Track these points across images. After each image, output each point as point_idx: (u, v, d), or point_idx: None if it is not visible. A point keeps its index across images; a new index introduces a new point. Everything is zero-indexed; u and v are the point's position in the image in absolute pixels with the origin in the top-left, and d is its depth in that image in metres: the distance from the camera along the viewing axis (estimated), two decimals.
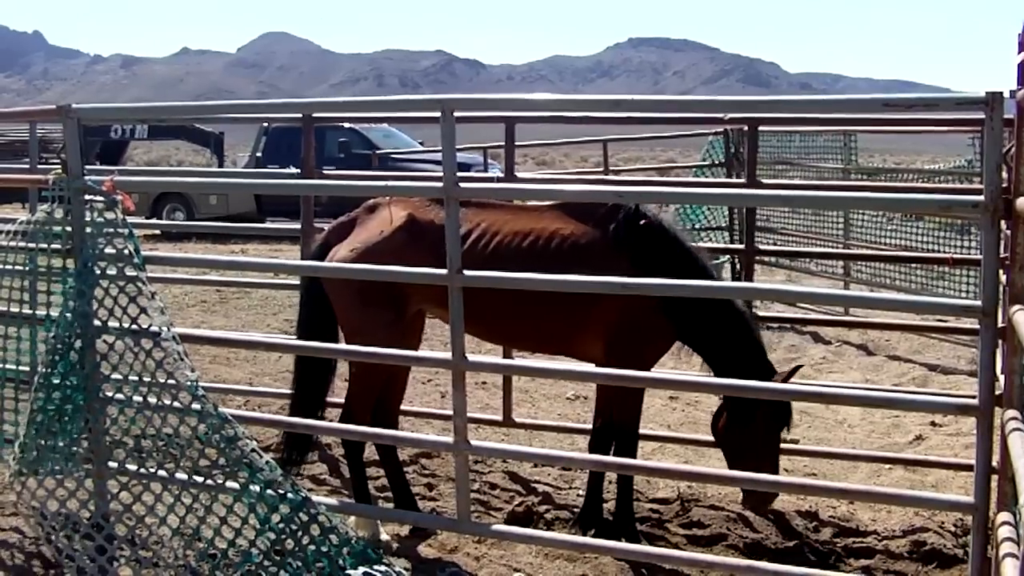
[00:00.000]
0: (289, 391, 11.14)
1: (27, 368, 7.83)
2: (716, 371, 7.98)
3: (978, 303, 5.58)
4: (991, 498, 5.71)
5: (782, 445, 9.35)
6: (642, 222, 7.87)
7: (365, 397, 8.47)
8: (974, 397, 5.77)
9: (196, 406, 6.79)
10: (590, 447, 8.59)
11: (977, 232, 15.93)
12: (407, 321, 8.30)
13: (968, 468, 7.12)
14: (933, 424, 11.76)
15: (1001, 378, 5.88)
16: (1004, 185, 5.58)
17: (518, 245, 7.91)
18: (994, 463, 5.82)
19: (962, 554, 7.97)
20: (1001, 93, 5.42)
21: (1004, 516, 5.39)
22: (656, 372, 8.88)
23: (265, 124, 31.52)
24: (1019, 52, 6.51)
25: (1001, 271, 5.98)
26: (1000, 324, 5.68)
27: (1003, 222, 5.79)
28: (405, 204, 8.29)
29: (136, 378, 7.05)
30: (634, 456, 8.24)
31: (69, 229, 7.33)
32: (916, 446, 11.16)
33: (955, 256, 13.60)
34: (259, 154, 33.44)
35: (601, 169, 21.42)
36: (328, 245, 8.44)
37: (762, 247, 14.26)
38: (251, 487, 6.70)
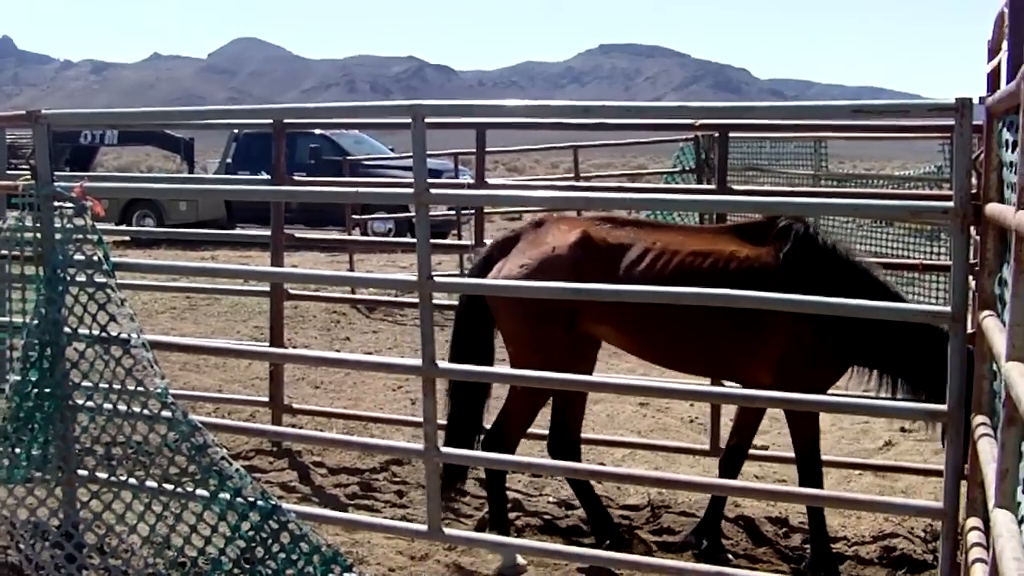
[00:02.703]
0: (260, 398, 11.15)
1: None
2: (914, 394, 7.68)
3: (947, 309, 5.60)
4: (960, 503, 5.73)
5: (753, 452, 9.35)
6: (806, 241, 7.65)
7: (522, 420, 8.31)
8: (943, 403, 5.79)
9: (166, 414, 6.77)
10: (721, 468, 8.49)
11: (947, 238, 15.99)
12: (579, 340, 8.09)
13: (937, 474, 7.13)
14: (903, 430, 11.79)
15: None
16: (973, 191, 5.60)
17: (696, 266, 7.69)
18: (964, 469, 5.84)
19: (932, 559, 7.99)
20: (971, 99, 5.45)
21: (973, 521, 5.41)
22: (628, 378, 8.88)
23: (235, 130, 31.50)
24: (988, 60, 6.53)
25: (971, 277, 6.00)
26: (969, 330, 5.69)
27: (972, 228, 5.82)
28: (576, 221, 8.19)
29: (106, 385, 7.02)
30: (820, 485, 7.95)
31: (39, 236, 7.28)
32: (885, 452, 11.19)
33: (925, 262, 13.65)
34: (229, 160, 33.40)
35: (572, 175, 21.48)
36: (491, 260, 8.29)
37: None
38: (221, 495, 6.67)
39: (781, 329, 7.45)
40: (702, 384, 9.43)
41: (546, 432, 8.79)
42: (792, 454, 8.15)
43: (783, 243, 7.65)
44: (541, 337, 7.92)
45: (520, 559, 7.88)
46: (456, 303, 12.33)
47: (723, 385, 8.95)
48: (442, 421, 10.03)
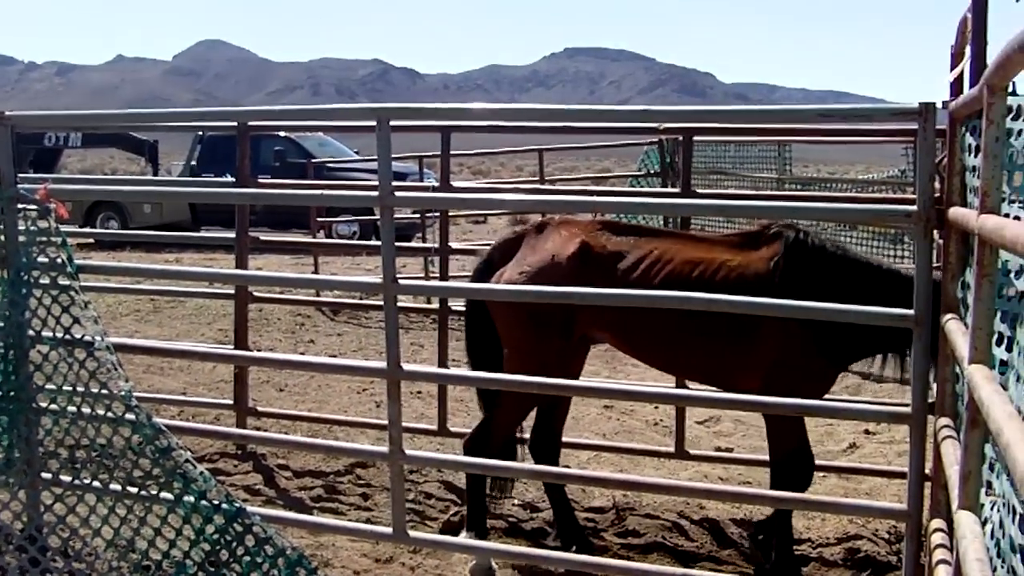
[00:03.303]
0: (225, 401, 11.08)
1: None
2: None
3: (911, 312, 5.62)
4: (924, 505, 5.75)
5: (715, 453, 9.36)
6: (798, 248, 7.55)
7: (510, 422, 8.28)
8: (907, 405, 5.81)
9: (130, 416, 6.72)
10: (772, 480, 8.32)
11: (910, 242, 16.06)
12: (573, 345, 8.05)
13: (901, 476, 7.17)
14: (867, 432, 11.84)
15: (933, 386, 5.92)
16: (937, 195, 5.63)
17: (688, 274, 7.60)
18: (927, 471, 5.86)
19: (895, 561, 8.04)
20: (934, 104, 5.47)
21: (937, 523, 5.43)
22: (594, 381, 8.88)
23: (200, 132, 31.42)
24: (951, 64, 6.56)
25: None
26: None
27: (936, 232, 5.84)
28: (577, 228, 8.08)
29: (70, 388, 6.98)
30: (803, 490, 7.72)
31: (2, 238, 7.24)
32: (850, 454, 11.24)
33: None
34: (194, 163, 33.35)
35: (537, 178, 21.47)
36: (492, 263, 8.27)
37: None
38: (185, 498, 6.65)
39: (767, 335, 7.37)
40: (667, 387, 9.45)
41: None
42: (759, 456, 8.17)
43: (775, 250, 7.60)
44: (535, 343, 7.88)
45: (494, 564, 7.88)
46: (422, 306, 12.32)
47: (687, 387, 8.97)
48: (413, 424, 10.08)
